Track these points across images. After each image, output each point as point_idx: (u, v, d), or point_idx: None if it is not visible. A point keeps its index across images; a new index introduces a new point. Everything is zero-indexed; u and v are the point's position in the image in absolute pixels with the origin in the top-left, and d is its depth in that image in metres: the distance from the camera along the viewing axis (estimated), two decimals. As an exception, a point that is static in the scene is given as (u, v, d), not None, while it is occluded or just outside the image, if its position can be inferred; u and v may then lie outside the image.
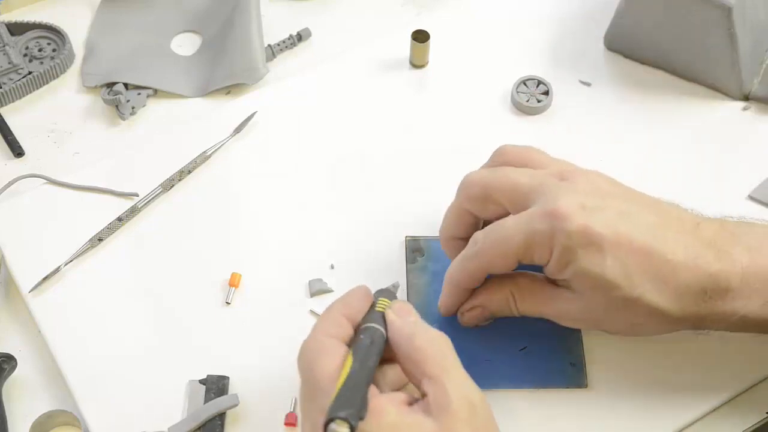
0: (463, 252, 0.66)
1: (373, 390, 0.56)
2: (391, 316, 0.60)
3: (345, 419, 0.52)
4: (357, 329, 0.60)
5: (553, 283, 0.66)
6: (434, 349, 0.58)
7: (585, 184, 0.64)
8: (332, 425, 0.52)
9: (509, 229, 0.64)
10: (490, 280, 0.68)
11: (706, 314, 0.64)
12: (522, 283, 0.68)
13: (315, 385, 0.56)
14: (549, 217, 0.62)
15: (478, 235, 0.66)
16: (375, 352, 0.58)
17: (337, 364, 0.57)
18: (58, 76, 0.87)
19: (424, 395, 0.56)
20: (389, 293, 0.63)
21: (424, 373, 0.57)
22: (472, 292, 0.69)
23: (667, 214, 0.65)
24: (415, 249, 0.74)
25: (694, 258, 0.63)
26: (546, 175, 0.65)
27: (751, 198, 0.79)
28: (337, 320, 0.60)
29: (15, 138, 0.83)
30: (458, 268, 0.67)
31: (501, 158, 0.69)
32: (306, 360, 0.58)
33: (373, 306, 0.62)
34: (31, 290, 0.73)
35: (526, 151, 0.69)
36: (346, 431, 0.52)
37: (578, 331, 0.70)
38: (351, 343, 0.59)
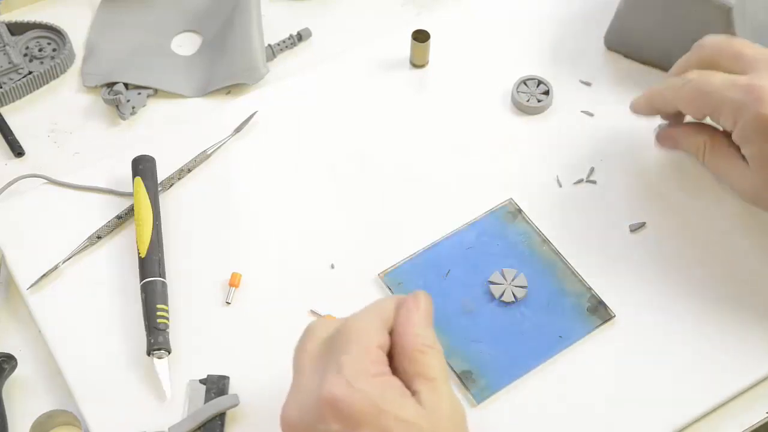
0: (671, 81, 0.74)
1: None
2: (405, 307, 0.60)
3: None
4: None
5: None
6: (435, 355, 0.58)
7: None
8: None
9: (711, 84, 0.70)
10: (693, 123, 0.75)
11: None
12: (717, 140, 0.73)
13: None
14: (747, 91, 0.67)
15: (691, 75, 0.72)
16: None
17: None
18: (58, 76, 0.87)
19: (414, 392, 0.56)
20: None
21: (421, 374, 0.57)
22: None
23: None
24: (393, 283, 0.74)
25: None
26: (759, 60, 0.70)
27: (752, 198, 0.79)
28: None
29: (15, 138, 0.83)
30: (658, 91, 0.75)
31: (702, 52, 0.74)
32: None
33: None
34: (30, 287, 0.73)
35: (730, 42, 0.73)
36: None
37: (575, 276, 0.73)
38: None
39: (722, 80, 0.70)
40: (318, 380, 0.55)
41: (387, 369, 0.56)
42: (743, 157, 0.71)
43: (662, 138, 0.78)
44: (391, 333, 0.59)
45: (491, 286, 0.73)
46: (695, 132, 0.75)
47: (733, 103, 0.68)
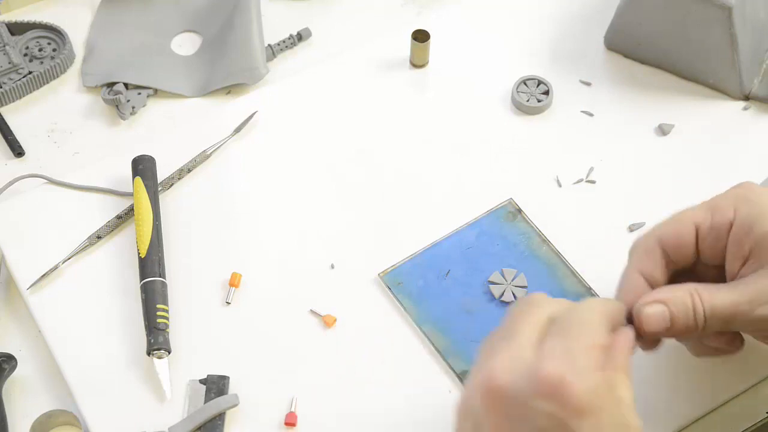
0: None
1: None
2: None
3: None
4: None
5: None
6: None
7: None
8: None
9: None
10: (666, 286, 0.61)
11: None
12: (703, 281, 0.61)
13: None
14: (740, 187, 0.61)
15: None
16: None
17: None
18: (58, 76, 0.87)
19: None
20: None
21: None
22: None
23: None
24: (393, 283, 0.74)
25: None
26: None
27: (751, 198, 0.79)
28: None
29: (15, 138, 0.83)
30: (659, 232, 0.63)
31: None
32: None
33: None
34: (30, 287, 0.73)
35: None
36: None
37: (575, 276, 0.72)
38: None
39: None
40: (541, 356, 0.53)
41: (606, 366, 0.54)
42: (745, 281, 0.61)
43: (644, 318, 0.60)
44: None
45: (491, 286, 0.73)
46: (675, 287, 0.61)
47: (724, 198, 0.62)
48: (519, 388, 0.52)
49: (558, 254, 0.75)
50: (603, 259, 0.74)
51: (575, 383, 0.51)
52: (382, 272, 0.74)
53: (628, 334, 0.58)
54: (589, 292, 0.72)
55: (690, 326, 0.60)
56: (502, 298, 0.72)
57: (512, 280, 0.73)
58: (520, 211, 0.77)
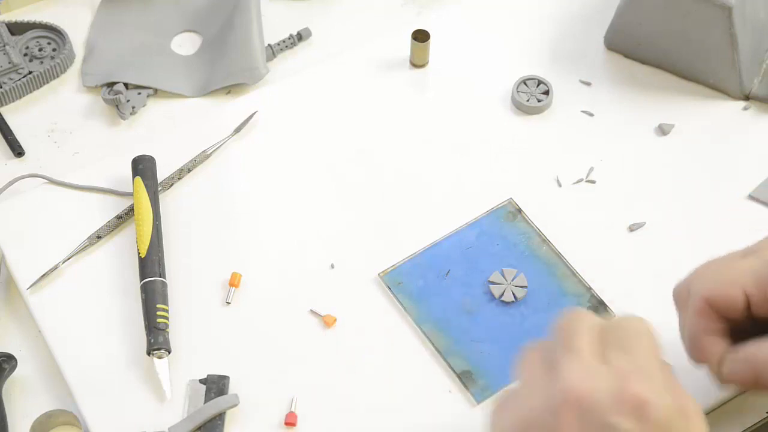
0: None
1: None
2: None
3: None
4: None
5: None
6: None
7: None
8: None
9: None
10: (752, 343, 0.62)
11: None
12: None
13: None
14: None
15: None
16: None
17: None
18: (58, 76, 0.87)
19: None
20: None
21: None
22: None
23: None
24: (393, 283, 0.73)
25: None
26: None
27: (752, 198, 0.79)
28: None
29: (15, 138, 0.83)
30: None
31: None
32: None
33: None
34: (30, 287, 0.73)
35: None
36: None
37: (575, 276, 0.72)
38: None
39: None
40: (617, 372, 0.53)
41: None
42: None
43: (728, 369, 0.62)
44: None
45: (491, 286, 0.73)
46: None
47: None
48: (601, 401, 0.52)
49: (558, 254, 0.75)
50: (603, 259, 0.74)
51: (660, 403, 0.52)
52: (382, 272, 0.74)
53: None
54: (589, 291, 0.73)
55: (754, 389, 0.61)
56: (503, 298, 0.72)
57: (512, 280, 0.73)
58: (520, 211, 0.77)
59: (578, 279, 0.73)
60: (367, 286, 0.74)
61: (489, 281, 0.73)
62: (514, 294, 0.72)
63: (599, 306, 0.72)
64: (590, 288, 0.73)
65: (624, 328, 0.56)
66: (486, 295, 0.73)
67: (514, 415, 0.54)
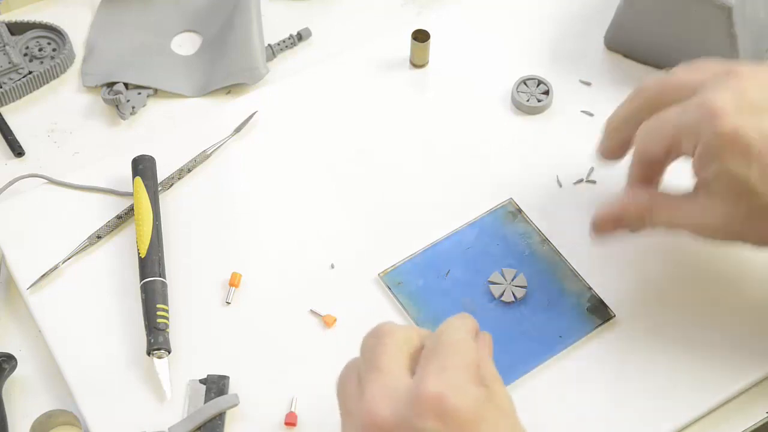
0: (627, 107, 0.70)
1: None
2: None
3: None
4: None
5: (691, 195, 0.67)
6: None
7: (751, 87, 0.63)
8: None
9: (665, 117, 0.66)
10: (626, 192, 0.70)
11: None
12: (658, 196, 0.68)
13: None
14: (701, 110, 0.63)
15: (646, 124, 0.67)
16: None
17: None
18: (58, 76, 0.87)
19: None
20: None
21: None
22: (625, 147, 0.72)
23: None
24: (393, 283, 0.73)
25: None
26: (716, 71, 0.66)
27: (751, 198, 0.79)
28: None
29: (15, 138, 0.83)
30: (618, 129, 0.71)
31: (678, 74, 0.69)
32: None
33: None
34: (30, 287, 0.73)
35: (704, 63, 0.69)
36: None
37: (575, 276, 0.73)
38: None
39: (674, 110, 0.65)
40: (416, 379, 0.54)
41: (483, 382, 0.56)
42: (697, 196, 0.66)
43: (599, 224, 0.71)
44: None
45: (491, 286, 0.73)
46: (632, 198, 0.69)
47: (689, 127, 0.63)
48: (401, 415, 0.53)
49: (558, 254, 0.75)
50: (604, 259, 0.74)
51: (455, 398, 0.52)
52: (382, 272, 0.74)
53: (485, 338, 0.61)
54: (590, 291, 0.72)
55: (640, 227, 0.69)
56: (502, 298, 0.72)
57: (512, 280, 0.73)
58: (520, 211, 0.77)
59: (578, 279, 0.73)
60: (367, 286, 0.74)
61: (489, 281, 0.73)
62: (513, 294, 0.72)
63: (600, 306, 0.72)
64: (590, 288, 0.73)
65: (438, 336, 0.57)
66: (486, 295, 0.73)
67: None
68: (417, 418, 0.52)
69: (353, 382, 0.57)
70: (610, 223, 0.70)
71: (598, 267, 0.74)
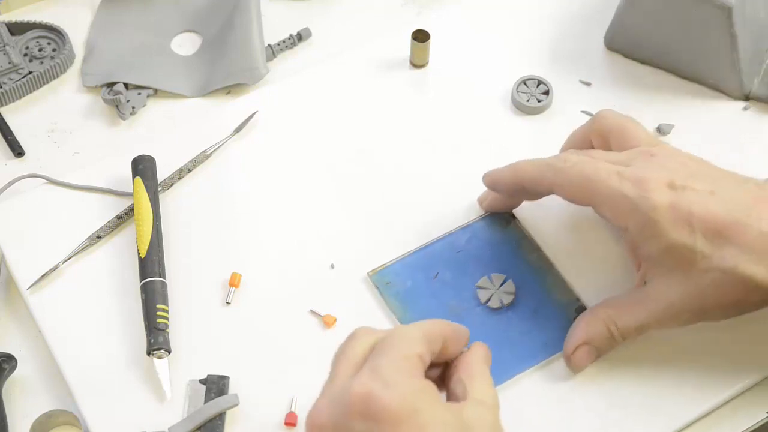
0: (549, 160, 0.68)
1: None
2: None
3: None
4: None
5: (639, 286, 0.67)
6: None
7: (674, 164, 0.65)
8: None
9: (598, 173, 0.65)
10: (580, 317, 0.68)
11: None
12: (613, 302, 0.67)
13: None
14: (638, 185, 0.63)
15: (574, 157, 0.67)
16: None
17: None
18: (58, 76, 0.87)
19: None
20: None
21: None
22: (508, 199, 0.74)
23: (760, 190, 0.65)
24: (381, 283, 0.73)
25: None
26: (637, 152, 0.67)
27: (751, 198, 0.79)
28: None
29: (15, 138, 0.83)
30: (532, 167, 0.69)
31: (599, 125, 0.71)
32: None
33: None
34: (30, 287, 0.73)
35: (624, 121, 0.70)
36: None
37: (565, 285, 0.72)
38: None
39: (607, 169, 0.65)
40: (350, 380, 0.55)
41: (422, 374, 0.56)
42: (650, 284, 0.66)
43: (573, 355, 0.68)
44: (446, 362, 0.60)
45: (478, 290, 0.72)
46: (590, 318, 0.67)
47: (623, 197, 0.64)
48: (337, 418, 0.54)
49: (549, 262, 0.74)
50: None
51: (382, 394, 0.53)
52: (371, 271, 0.73)
53: (479, 348, 0.62)
54: (578, 302, 0.72)
55: (612, 347, 0.67)
56: (489, 304, 0.71)
57: (500, 286, 0.72)
58: (513, 217, 0.76)
59: (568, 288, 0.72)
60: (367, 286, 0.74)
61: (477, 286, 0.72)
62: (501, 300, 0.71)
63: None
64: (579, 299, 0.72)
65: (387, 333, 0.58)
66: (474, 299, 0.72)
67: None
68: (347, 419, 0.53)
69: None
70: (581, 349, 0.67)
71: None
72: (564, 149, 0.74)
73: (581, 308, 0.71)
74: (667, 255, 0.64)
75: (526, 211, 0.77)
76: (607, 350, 0.68)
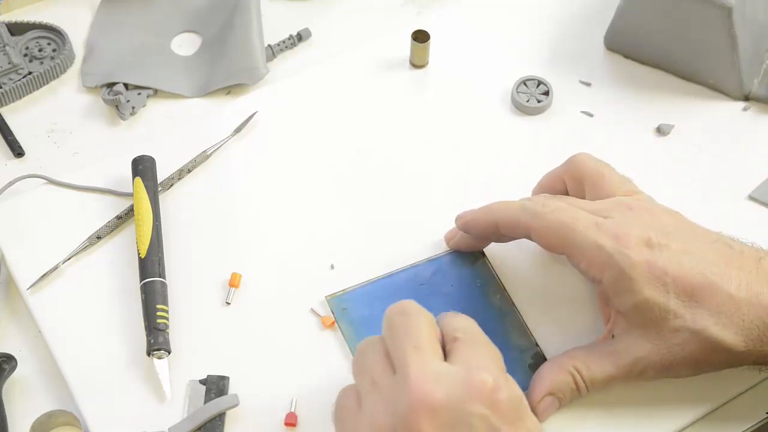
0: (525, 203, 0.68)
1: None
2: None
3: None
4: None
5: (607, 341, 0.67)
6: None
7: (650, 220, 0.65)
8: None
9: (576, 222, 0.65)
10: (545, 365, 0.67)
11: None
12: (578, 353, 0.67)
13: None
14: (616, 240, 0.64)
15: (549, 203, 0.67)
16: None
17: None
18: (58, 76, 0.87)
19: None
20: None
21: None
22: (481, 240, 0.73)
23: (729, 249, 0.65)
24: (338, 308, 0.72)
25: (757, 295, 0.63)
26: (614, 203, 0.67)
27: (751, 198, 0.79)
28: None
29: (15, 138, 0.83)
30: (507, 210, 0.68)
31: (574, 168, 0.71)
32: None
33: None
34: (30, 287, 0.73)
35: (601, 167, 0.70)
36: None
37: (524, 330, 0.71)
38: None
39: (586, 219, 0.65)
40: (462, 367, 0.57)
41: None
42: (618, 336, 0.65)
43: (539, 405, 0.66)
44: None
45: None
46: (556, 368, 0.66)
47: (600, 249, 0.64)
48: (456, 399, 0.55)
49: (512, 304, 0.72)
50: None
51: (504, 390, 0.56)
52: (330, 295, 0.72)
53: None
54: (536, 348, 0.70)
55: (576, 398, 0.67)
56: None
57: None
58: (483, 254, 0.74)
59: (527, 334, 0.71)
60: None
61: None
62: None
63: (542, 363, 0.68)
64: (537, 344, 0.71)
65: (459, 326, 0.61)
66: None
67: (363, 425, 0.57)
68: (469, 401, 0.55)
69: (353, 400, 0.59)
70: (546, 401, 0.66)
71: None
72: (536, 190, 0.73)
73: (538, 355, 0.70)
74: (639, 311, 0.64)
75: (496, 249, 0.75)
76: (570, 401, 0.66)
